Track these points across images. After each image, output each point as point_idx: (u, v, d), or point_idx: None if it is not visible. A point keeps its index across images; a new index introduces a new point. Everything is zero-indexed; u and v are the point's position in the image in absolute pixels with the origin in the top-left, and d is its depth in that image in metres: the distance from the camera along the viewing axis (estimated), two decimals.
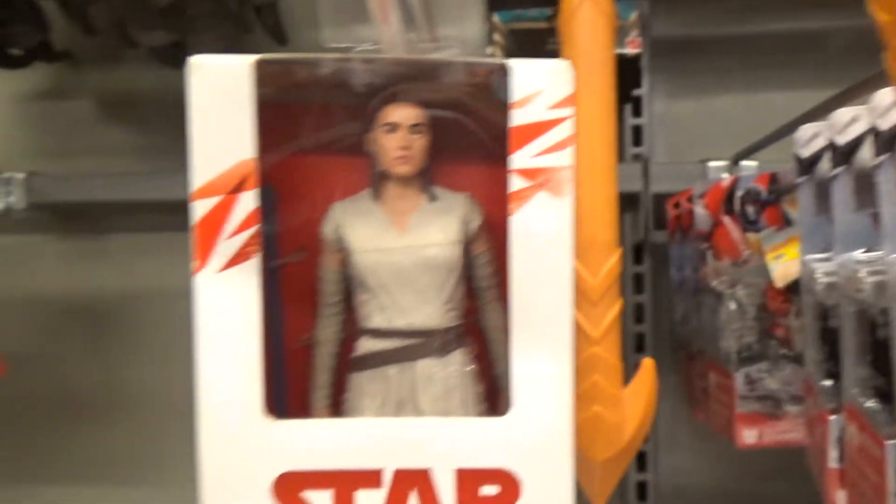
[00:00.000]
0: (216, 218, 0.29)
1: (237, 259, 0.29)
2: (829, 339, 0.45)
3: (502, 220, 0.30)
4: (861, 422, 0.40)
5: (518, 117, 0.29)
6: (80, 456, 0.84)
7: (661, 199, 0.73)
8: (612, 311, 0.55)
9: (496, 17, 0.62)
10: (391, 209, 0.33)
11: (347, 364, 0.34)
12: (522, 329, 0.29)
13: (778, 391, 0.60)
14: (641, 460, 0.80)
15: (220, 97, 0.29)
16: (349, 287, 0.34)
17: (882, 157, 0.35)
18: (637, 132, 0.79)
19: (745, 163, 0.70)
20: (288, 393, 0.35)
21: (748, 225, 0.62)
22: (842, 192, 0.41)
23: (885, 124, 0.35)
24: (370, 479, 0.29)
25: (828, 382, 0.46)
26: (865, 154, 0.38)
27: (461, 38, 0.87)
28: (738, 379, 0.60)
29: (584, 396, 0.55)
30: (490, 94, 0.31)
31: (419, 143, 0.33)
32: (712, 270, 0.63)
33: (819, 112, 0.45)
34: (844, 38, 0.77)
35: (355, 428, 0.30)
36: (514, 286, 0.29)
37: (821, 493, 0.44)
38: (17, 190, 0.72)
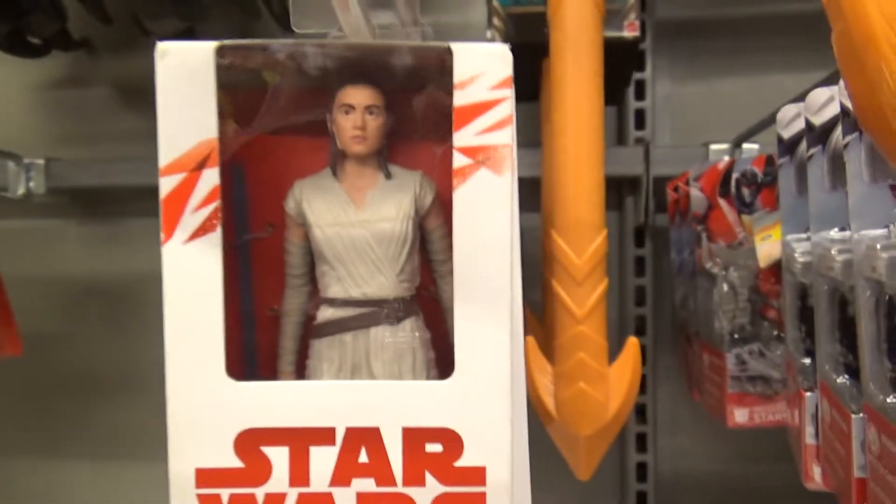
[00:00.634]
0: (181, 193, 0.31)
1: (201, 231, 0.31)
2: (808, 318, 0.45)
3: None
4: (831, 398, 0.40)
5: (461, 97, 0.30)
6: (99, 432, 0.86)
7: (663, 182, 0.73)
8: (598, 290, 0.56)
9: (496, 2, 0.63)
10: (350, 186, 0.35)
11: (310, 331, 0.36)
12: (465, 298, 0.31)
13: (769, 372, 0.61)
14: (641, 442, 0.80)
15: (185, 80, 0.31)
16: (314, 260, 0.36)
17: (850, 137, 0.35)
18: (640, 115, 0.79)
19: (747, 145, 0.70)
20: (258, 358, 0.37)
21: (743, 207, 0.62)
22: (818, 172, 0.41)
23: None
24: (324, 436, 0.31)
25: (806, 360, 0.46)
26: (839, 134, 0.39)
27: (464, 24, 0.88)
28: (730, 359, 0.60)
29: (569, 373, 0.56)
30: (442, 77, 0.32)
31: (374, 123, 0.34)
32: (706, 252, 0.63)
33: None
34: None
35: (311, 389, 0.32)
36: (458, 258, 0.31)
37: (798, 469, 0.44)
38: (37, 175, 0.74)
